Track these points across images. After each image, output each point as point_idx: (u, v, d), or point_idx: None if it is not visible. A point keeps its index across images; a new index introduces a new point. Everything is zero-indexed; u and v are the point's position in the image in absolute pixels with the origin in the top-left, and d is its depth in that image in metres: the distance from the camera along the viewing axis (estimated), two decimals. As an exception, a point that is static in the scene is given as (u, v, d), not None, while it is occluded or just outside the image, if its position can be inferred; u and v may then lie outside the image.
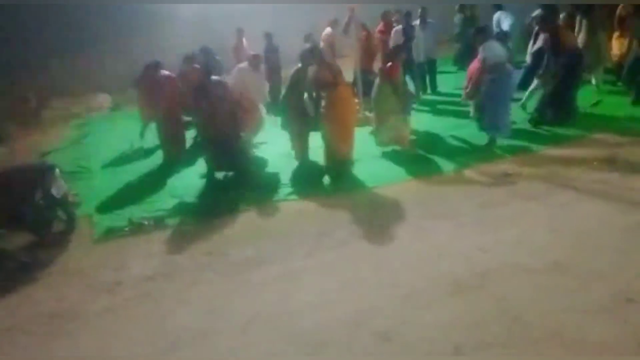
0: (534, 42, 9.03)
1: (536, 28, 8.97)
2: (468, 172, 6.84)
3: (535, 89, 8.55)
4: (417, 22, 10.37)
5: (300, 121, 7.53)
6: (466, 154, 7.45)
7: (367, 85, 8.63)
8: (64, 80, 12.48)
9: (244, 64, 8.32)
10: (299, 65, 7.58)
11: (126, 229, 6.24)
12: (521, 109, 8.67)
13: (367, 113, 8.81)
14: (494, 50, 7.30)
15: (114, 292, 4.92)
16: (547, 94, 8.07)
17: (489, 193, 6.12)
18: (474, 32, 7.98)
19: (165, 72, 8.52)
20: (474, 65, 7.64)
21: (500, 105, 7.35)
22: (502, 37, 9.41)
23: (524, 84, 8.93)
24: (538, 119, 8.13)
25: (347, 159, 7.29)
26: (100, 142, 9.96)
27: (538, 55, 8.60)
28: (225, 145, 7.15)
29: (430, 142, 8.03)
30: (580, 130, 7.79)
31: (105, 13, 13.13)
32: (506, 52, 7.82)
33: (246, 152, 7.82)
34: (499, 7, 11.18)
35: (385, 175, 7.00)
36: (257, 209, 6.46)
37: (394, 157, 7.61)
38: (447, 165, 7.11)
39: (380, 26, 10.62)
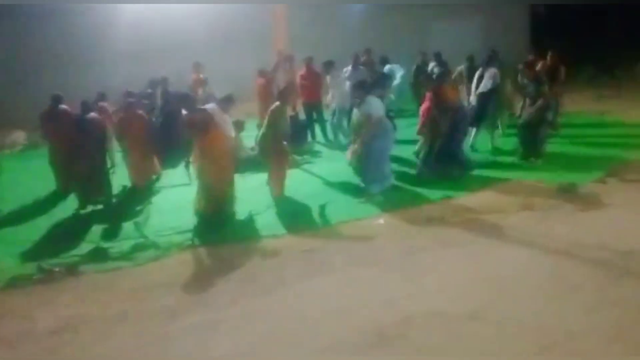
0: (478, 84, 9.70)
1: (480, 69, 9.86)
2: (390, 218, 6.92)
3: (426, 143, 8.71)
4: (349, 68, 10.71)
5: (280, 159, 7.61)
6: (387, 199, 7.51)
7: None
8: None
9: (211, 105, 7.89)
10: (277, 103, 7.59)
11: (35, 276, 5.81)
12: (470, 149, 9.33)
13: (295, 157, 8.89)
14: (375, 105, 7.42)
15: (14, 346, 4.53)
16: (433, 149, 8.24)
17: (412, 239, 6.20)
18: (353, 87, 8.09)
19: (63, 107, 8.38)
20: (425, 105, 8.27)
21: (381, 160, 7.54)
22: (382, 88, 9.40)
23: (472, 124, 9.47)
24: (427, 173, 8.22)
25: (223, 208, 7.09)
26: (10, 182, 9.36)
27: (483, 96, 9.45)
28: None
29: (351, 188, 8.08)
30: (497, 176, 8.18)
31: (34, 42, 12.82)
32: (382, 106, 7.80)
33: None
34: (386, 61, 12.05)
35: (312, 220, 6.97)
36: (177, 254, 6.23)
37: (321, 199, 7.64)
38: (370, 211, 7.17)
39: (303, 71, 10.82)
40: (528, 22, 20.65)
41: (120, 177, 8.74)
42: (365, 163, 7.55)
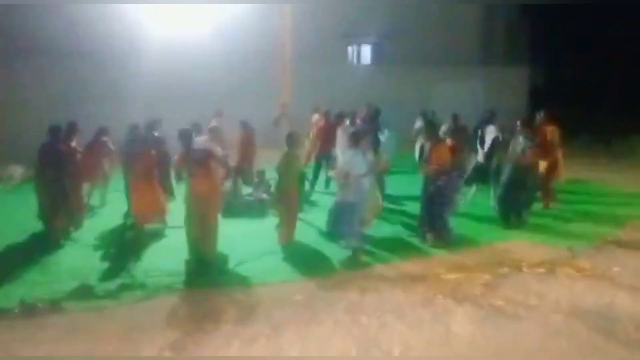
0: (482, 144, 9.83)
1: (480, 130, 10.03)
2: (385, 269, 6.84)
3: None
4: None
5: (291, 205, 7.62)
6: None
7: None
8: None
9: (202, 138, 8.19)
10: (287, 149, 7.63)
11: (16, 310, 5.65)
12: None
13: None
14: (356, 161, 7.30)
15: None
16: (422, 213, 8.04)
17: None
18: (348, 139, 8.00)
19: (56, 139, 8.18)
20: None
21: (349, 216, 7.30)
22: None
23: (476, 182, 9.63)
24: (421, 235, 7.99)
25: (207, 256, 6.94)
26: (4, 216, 9.28)
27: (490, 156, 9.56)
28: None
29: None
30: (493, 235, 8.16)
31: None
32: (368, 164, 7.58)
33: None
34: (378, 114, 11.63)
35: (307, 268, 6.89)
36: (165, 296, 6.08)
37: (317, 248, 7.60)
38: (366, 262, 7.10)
39: (320, 122, 11.13)
40: (527, 86, 21.12)
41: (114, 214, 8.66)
42: (333, 216, 7.54)
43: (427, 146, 8.25)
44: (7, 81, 13.48)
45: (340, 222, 7.40)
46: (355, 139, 7.51)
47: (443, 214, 7.83)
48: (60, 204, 7.93)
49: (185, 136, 7.20)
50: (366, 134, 8.12)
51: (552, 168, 9.72)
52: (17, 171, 11.90)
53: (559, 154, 9.87)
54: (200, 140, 7.95)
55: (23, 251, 7.66)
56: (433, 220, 7.82)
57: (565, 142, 10.40)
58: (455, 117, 10.66)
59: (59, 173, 7.85)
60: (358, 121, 10.88)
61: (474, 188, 9.91)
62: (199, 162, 6.89)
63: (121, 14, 14.12)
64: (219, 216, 7.42)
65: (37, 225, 8.20)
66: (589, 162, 14.34)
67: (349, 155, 7.45)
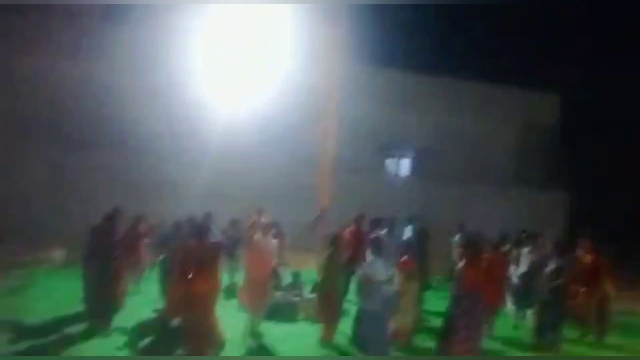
0: (517, 265, 9.70)
1: (522, 250, 9.84)
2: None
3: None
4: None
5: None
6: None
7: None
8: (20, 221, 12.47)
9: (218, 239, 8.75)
10: (330, 250, 7.84)
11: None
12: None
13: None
14: (378, 268, 7.37)
15: None
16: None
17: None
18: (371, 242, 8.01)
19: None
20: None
21: (374, 326, 7.23)
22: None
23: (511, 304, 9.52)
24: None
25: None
26: (42, 295, 9.53)
27: (526, 277, 9.35)
28: None
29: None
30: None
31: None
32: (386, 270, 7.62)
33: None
34: (410, 221, 11.83)
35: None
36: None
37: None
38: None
39: (352, 228, 11.04)
40: (567, 209, 20.41)
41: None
42: (358, 325, 7.44)
43: (462, 263, 7.78)
44: (55, 167, 14.28)
45: (367, 331, 7.29)
46: (375, 245, 7.65)
47: (470, 339, 7.21)
48: (105, 288, 8.07)
49: (203, 229, 7.46)
50: (385, 241, 8.23)
51: (601, 299, 9.34)
52: (59, 254, 12.25)
53: (607, 283, 9.37)
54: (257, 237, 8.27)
55: (58, 333, 7.80)
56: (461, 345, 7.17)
57: (618, 270, 9.82)
58: (503, 237, 10.17)
59: (108, 257, 8.11)
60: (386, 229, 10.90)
61: (509, 309, 9.70)
62: (210, 258, 7.07)
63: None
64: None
65: (75, 308, 8.44)
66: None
67: (370, 261, 7.56)
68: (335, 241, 8.06)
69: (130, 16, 15.99)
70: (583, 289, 9.37)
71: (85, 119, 14.94)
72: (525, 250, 9.90)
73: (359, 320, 7.46)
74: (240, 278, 10.06)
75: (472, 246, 7.58)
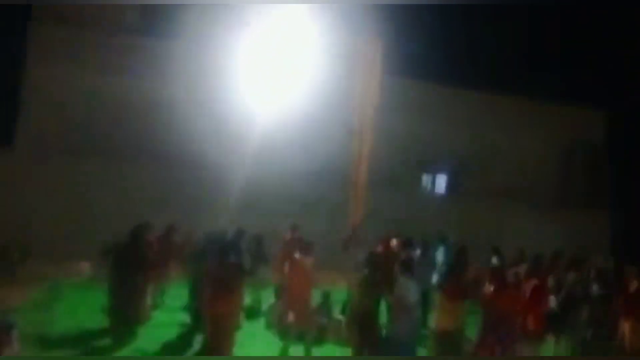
0: (558, 291, 9.03)
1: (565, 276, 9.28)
2: None
3: None
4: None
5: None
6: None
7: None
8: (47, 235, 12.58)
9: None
10: (366, 271, 7.60)
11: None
12: None
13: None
14: (411, 289, 7.19)
15: None
16: None
17: None
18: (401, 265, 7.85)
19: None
20: None
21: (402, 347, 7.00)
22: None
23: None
24: None
25: None
26: (69, 309, 9.57)
27: (566, 302, 8.63)
28: None
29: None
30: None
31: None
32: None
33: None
34: (443, 241, 11.86)
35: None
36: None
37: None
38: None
39: (379, 248, 10.70)
40: (614, 233, 19.55)
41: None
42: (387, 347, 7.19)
43: (491, 289, 7.56)
44: (80, 180, 14.33)
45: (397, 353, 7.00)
46: (405, 267, 7.45)
47: None
48: (131, 300, 8.15)
49: (226, 248, 7.33)
50: (415, 262, 8.05)
51: None
52: (85, 267, 12.30)
53: None
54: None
55: (83, 347, 7.91)
56: None
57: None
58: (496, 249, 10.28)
59: (135, 269, 8.16)
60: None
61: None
62: (230, 278, 7.05)
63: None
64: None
65: (100, 322, 8.45)
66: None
67: (400, 282, 7.32)
68: (372, 261, 7.78)
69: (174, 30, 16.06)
70: (629, 322, 8.68)
71: (107, 131, 15.00)
72: (569, 276, 9.30)
73: (387, 343, 7.24)
74: (265, 298, 9.88)
75: (498, 273, 7.65)
